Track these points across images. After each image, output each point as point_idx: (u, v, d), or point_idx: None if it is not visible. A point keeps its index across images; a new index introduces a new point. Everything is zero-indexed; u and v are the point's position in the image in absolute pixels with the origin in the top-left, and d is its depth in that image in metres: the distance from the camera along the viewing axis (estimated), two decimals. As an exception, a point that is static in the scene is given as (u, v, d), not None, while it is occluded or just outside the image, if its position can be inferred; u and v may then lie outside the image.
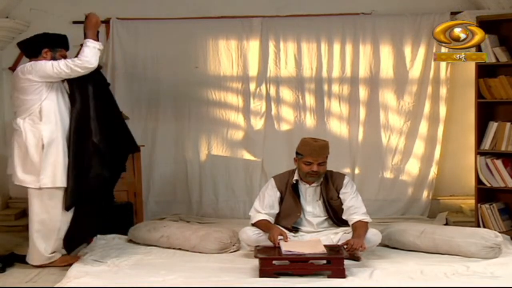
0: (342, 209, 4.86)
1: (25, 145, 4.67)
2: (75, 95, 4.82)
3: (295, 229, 4.93)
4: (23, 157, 4.69)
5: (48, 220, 4.73)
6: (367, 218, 4.75)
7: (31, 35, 4.95)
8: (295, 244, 4.58)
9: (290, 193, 4.93)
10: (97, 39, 4.80)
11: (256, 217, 4.88)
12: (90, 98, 4.80)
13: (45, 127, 4.68)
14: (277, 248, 4.51)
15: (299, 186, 4.94)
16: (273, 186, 4.97)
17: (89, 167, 4.75)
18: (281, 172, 5.09)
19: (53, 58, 4.77)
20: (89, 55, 4.67)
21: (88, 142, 4.75)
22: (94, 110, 4.79)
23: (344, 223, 4.89)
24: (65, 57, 4.83)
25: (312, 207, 4.94)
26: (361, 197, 4.91)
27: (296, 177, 4.93)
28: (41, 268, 4.77)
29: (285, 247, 4.45)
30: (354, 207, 4.79)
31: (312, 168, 4.79)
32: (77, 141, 4.76)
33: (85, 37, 4.78)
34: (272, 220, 4.89)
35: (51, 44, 4.84)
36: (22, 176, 4.70)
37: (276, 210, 4.94)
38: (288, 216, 4.93)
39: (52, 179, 4.68)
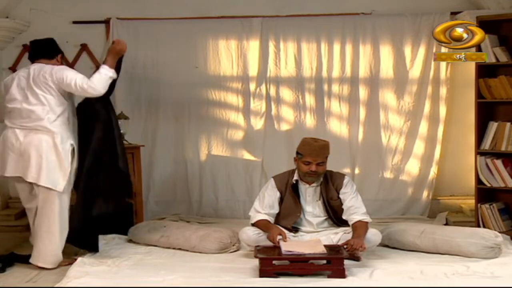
0: (342, 209, 4.85)
1: (57, 148, 4.68)
2: (101, 116, 4.88)
3: (295, 229, 4.93)
4: (51, 160, 4.68)
5: (64, 221, 4.77)
6: (367, 218, 4.75)
7: (44, 37, 5.06)
8: (295, 244, 4.58)
9: (290, 193, 4.93)
10: (115, 65, 4.81)
11: (256, 217, 4.89)
12: (113, 122, 4.91)
13: (72, 134, 4.83)
14: (277, 248, 4.51)
15: (299, 186, 4.94)
16: (273, 186, 4.97)
17: (118, 194, 4.93)
18: (281, 172, 5.09)
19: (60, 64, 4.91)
20: (97, 83, 4.70)
21: (112, 166, 4.85)
22: (118, 135, 4.92)
23: (344, 223, 4.89)
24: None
25: (312, 207, 4.94)
26: (361, 197, 4.91)
27: (296, 177, 4.93)
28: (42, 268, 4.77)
29: (285, 247, 4.45)
30: (354, 207, 4.79)
31: (311, 168, 4.78)
32: (104, 164, 4.84)
33: (104, 61, 4.82)
34: (272, 220, 4.89)
35: (61, 51, 5.00)
36: (49, 178, 4.67)
37: (276, 210, 4.94)
38: (288, 216, 4.92)
39: (75, 184, 4.83)
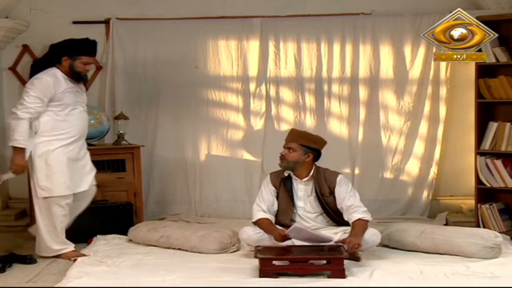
0: (337, 206, 4.83)
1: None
2: None
3: (293, 227, 4.91)
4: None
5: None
6: (367, 217, 4.72)
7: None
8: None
9: (283, 189, 4.92)
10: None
11: (258, 215, 4.85)
12: None
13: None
14: (277, 248, 4.51)
15: (292, 181, 4.94)
16: (268, 182, 4.96)
17: None
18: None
19: (71, 66, 5.04)
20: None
21: None
22: None
23: (342, 219, 4.86)
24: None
25: (303, 202, 4.91)
26: (358, 195, 4.89)
27: (288, 172, 4.92)
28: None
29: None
30: (354, 206, 4.77)
31: (282, 152, 4.85)
32: None
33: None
34: (273, 219, 4.87)
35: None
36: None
37: (275, 206, 4.92)
38: (285, 211, 4.91)
39: None
